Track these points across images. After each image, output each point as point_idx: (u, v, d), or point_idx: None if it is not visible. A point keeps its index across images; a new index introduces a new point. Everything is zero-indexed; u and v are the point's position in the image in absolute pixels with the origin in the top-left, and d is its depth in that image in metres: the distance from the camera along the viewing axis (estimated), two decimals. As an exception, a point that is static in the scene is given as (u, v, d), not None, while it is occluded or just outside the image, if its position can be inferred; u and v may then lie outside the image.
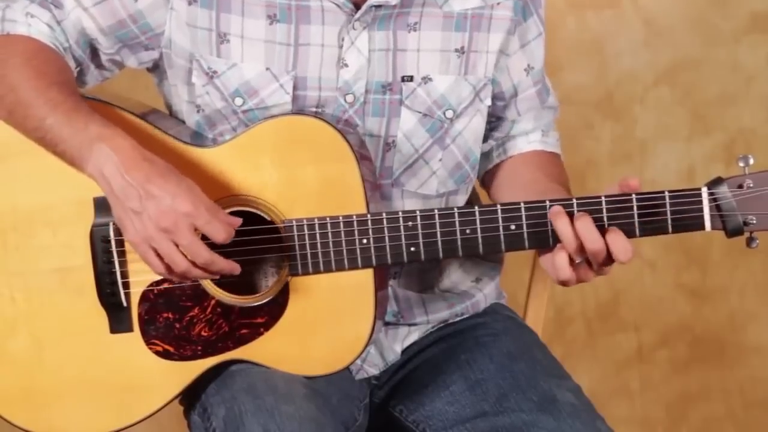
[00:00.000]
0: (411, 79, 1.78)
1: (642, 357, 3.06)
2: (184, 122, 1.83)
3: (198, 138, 1.79)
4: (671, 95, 2.92)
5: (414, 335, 1.92)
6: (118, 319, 1.73)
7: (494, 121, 1.91)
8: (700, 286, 3.03)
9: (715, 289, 3.03)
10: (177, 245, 1.60)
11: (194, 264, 1.61)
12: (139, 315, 1.73)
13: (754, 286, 3.03)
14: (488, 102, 1.85)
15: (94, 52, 1.80)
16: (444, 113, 1.80)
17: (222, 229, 1.60)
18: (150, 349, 1.73)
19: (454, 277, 1.92)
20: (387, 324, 1.88)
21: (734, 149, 2.94)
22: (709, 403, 3.09)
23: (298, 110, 1.75)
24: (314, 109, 1.76)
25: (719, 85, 2.92)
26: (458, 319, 1.93)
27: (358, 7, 1.73)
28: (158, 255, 1.61)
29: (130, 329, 1.73)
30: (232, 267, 1.64)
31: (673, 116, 2.93)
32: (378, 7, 1.73)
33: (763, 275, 3.02)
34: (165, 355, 1.73)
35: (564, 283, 1.66)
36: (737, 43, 2.90)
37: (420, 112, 1.79)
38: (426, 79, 1.78)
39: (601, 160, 2.94)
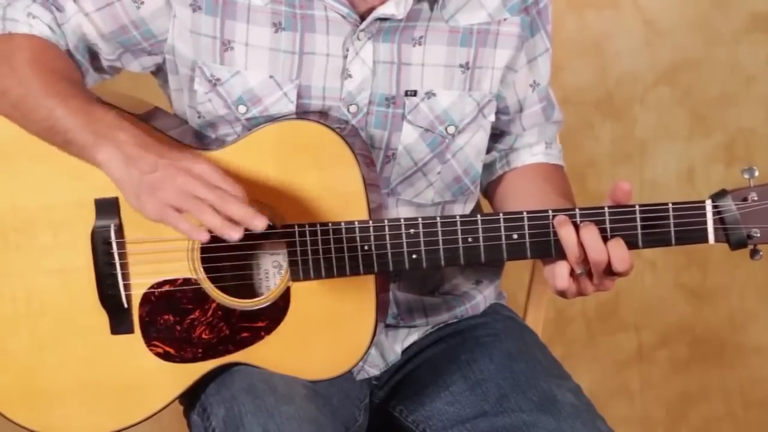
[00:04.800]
0: (414, 93, 1.77)
1: (642, 357, 3.06)
2: (186, 122, 1.83)
3: (201, 139, 1.79)
4: (671, 95, 2.92)
5: (414, 335, 1.92)
6: (119, 321, 1.73)
7: (498, 134, 1.91)
8: (700, 286, 3.03)
9: (715, 289, 3.03)
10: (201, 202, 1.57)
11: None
12: (140, 316, 1.73)
13: (754, 286, 3.03)
14: (492, 118, 1.84)
15: (93, 57, 1.80)
16: (446, 129, 1.80)
17: (239, 189, 1.57)
18: (151, 350, 1.73)
19: (455, 280, 1.92)
20: (387, 326, 1.88)
21: (734, 149, 2.94)
22: (709, 403, 3.09)
23: (301, 115, 1.74)
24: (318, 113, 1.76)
25: (719, 85, 2.92)
26: (458, 319, 1.94)
27: (363, 18, 1.73)
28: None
29: (131, 330, 1.73)
30: (262, 221, 1.56)
31: (673, 116, 2.93)
32: (384, 20, 1.73)
33: (763, 275, 3.02)
34: (166, 356, 1.73)
35: (563, 294, 1.66)
36: (737, 43, 2.90)
37: (421, 127, 1.79)
38: (429, 94, 1.78)
39: (601, 160, 2.94)
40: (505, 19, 1.80)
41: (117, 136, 1.60)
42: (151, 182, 1.58)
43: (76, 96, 1.66)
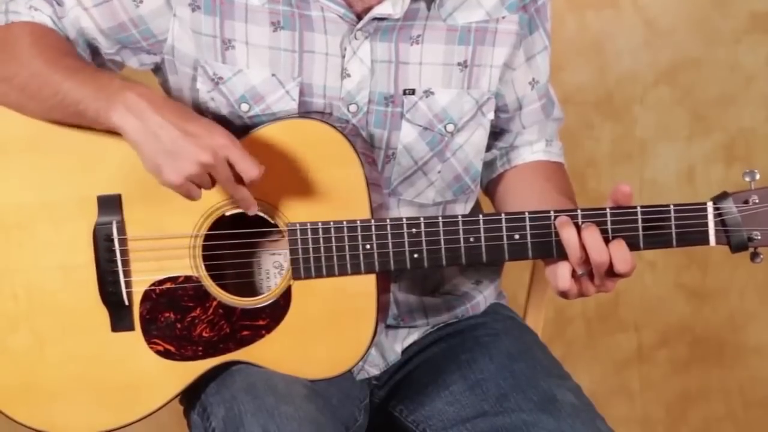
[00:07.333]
0: (413, 92, 1.77)
1: (642, 357, 3.06)
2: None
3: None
4: (671, 95, 2.92)
5: (414, 335, 1.92)
6: (119, 318, 1.73)
7: (498, 132, 1.91)
8: (700, 286, 3.03)
9: (715, 289, 3.03)
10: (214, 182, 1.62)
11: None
12: (141, 314, 1.73)
13: (754, 286, 3.03)
14: (491, 116, 1.84)
15: (94, 52, 1.80)
16: (445, 127, 1.80)
17: (254, 164, 1.61)
18: (151, 348, 1.73)
19: (455, 280, 1.92)
20: (387, 326, 1.88)
21: (734, 149, 2.94)
22: (709, 403, 3.09)
23: (304, 113, 1.75)
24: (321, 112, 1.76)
25: (719, 85, 2.92)
26: (458, 319, 1.93)
27: (360, 17, 1.73)
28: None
29: (131, 328, 1.73)
30: (253, 210, 1.66)
31: (673, 116, 2.93)
32: (381, 19, 1.73)
33: (763, 275, 3.02)
34: (166, 354, 1.73)
35: (564, 295, 1.66)
36: (737, 43, 2.90)
37: (420, 126, 1.79)
38: (428, 93, 1.78)
39: (601, 160, 2.94)
40: (503, 17, 1.80)
41: (127, 97, 1.61)
42: (174, 151, 1.59)
43: (81, 69, 1.68)
